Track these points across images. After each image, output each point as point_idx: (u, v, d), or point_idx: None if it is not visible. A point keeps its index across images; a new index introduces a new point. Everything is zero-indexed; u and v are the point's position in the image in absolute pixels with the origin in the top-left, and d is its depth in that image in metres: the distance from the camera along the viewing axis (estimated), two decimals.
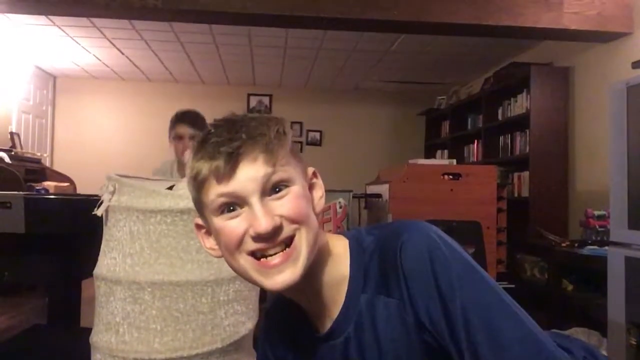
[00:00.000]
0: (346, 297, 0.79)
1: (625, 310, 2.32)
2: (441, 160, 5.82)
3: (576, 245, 3.37)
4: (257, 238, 0.72)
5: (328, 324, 0.81)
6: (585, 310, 3.24)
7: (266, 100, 7.13)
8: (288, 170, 0.75)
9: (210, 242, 0.82)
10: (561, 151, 4.44)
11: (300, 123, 7.17)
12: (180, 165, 2.59)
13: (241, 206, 0.73)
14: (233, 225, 0.73)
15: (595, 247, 3.18)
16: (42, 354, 2.61)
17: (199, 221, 0.82)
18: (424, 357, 0.73)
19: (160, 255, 1.33)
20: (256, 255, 0.74)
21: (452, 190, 3.83)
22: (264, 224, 0.71)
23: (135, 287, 1.32)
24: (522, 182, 4.72)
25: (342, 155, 7.11)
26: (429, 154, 7.03)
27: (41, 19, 4.54)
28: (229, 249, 0.75)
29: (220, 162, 0.72)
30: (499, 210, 4.03)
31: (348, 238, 0.83)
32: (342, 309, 0.79)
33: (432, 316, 0.71)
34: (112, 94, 6.92)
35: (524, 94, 4.69)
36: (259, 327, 0.97)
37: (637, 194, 2.30)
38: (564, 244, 3.52)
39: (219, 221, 0.75)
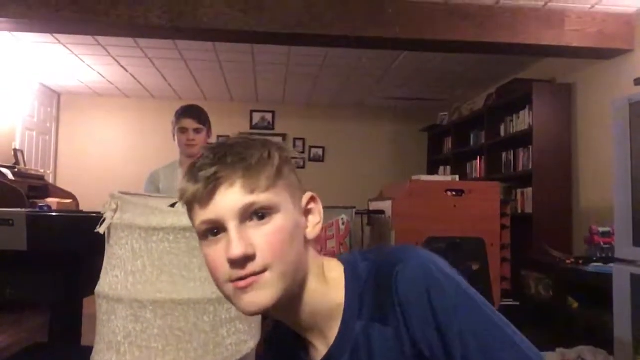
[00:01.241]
0: (341, 324, 0.78)
1: (632, 327, 2.30)
2: (444, 176, 5.82)
3: (581, 262, 3.35)
4: (231, 263, 0.71)
5: (324, 351, 0.80)
6: (590, 328, 3.20)
7: (269, 116, 7.15)
8: (271, 196, 0.73)
9: None
10: (564, 167, 4.44)
11: (303, 139, 7.18)
12: (183, 159, 2.61)
13: (223, 231, 0.73)
14: (214, 251, 0.73)
15: (600, 264, 3.16)
16: None
17: None
18: None
19: (162, 273, 1.32)
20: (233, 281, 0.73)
21: (455, 206, 3.81)
22: (234, 250, 0.70)
23: (137, 306, 1.31)
24: (526, 199, 4.70)
25: (345, 172, 7.11)
26: (432, 170, 7.03)
27: (47, 37, 4.59)
28: (213, 276, 0.75)
29: (200, 187, 0.72)
30: (503, 227, 4.01)
31: (343, 263, 0.82)
32: (337, 336, 0.78)
33: (430, 344, 0.70)
34: (116, 111, 6.96)
35: (527, 110, 4.69)
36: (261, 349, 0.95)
37: None
38: (568, 261, 3.50)
39: (205, 247, 0.75)
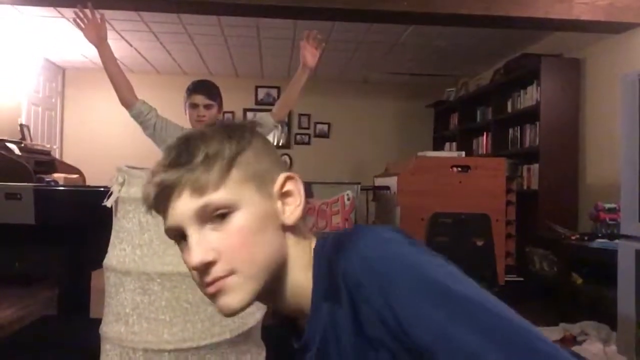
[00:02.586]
0: (311, 306, 0.73)
1: (636, 304, 2.31)
2: (450, 152, 5.80)
3: (586, 238, 3.35)
4: (193, 270, 0.68)
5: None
6: (594, 304, 3.22)
7: (274, 92, 7.12)
8: (225, 194, 0.68)
9: None
10: (571, 143, 4.41)
11: (309, 115, 7.16)
12: None
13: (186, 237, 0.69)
14: (185, 258, 0.70)
15: (605, 240, 3.16)
16: (52, 345, 2.63)
17: None
18: None
19: (168, 246, 1.33)
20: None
21: (460, 182, 3.81)
22: (193, 258, 0.66)
23: (145, 278, 1.33)
24: (532, 175, 4.69)
25: (350, 148, 7.09)
26: (438, 146, 7.00)
27: (50, 11, 4.56)
28: (194, 278, 0.72)
29: (153, 194, 0.69)
30: (508, 203, 4.02)
31: (315, 243, 0.76)
32: (308, 320, 0.74)
33: (384, 322, 0.62)
34: None
35: (534, 85, 4.65)
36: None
37: None
38: (573, 237, 3.50)
39: (181, 252, 0.72)
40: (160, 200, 0.69)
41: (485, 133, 5.78)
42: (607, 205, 3.38)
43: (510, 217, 4.30)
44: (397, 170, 4.17)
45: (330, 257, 0.70)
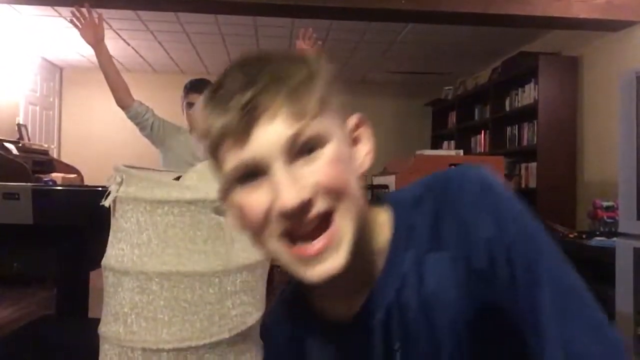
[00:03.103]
0: (387, 262, 0.64)
1: (634, 302, 2.31)
2: (448, 151, 5.80)
3: (584, 236, 3.35)
4: (284, 216, 0.56)
5: (358, 303, 0.65)
6: None
7: None
8: (322, 123, 0.58)
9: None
10: (569, 142, 4.42)
11: None
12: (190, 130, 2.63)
13: (263, 174, 0.57)
14: (253, 201, 0.57)
15: (603, 238, 3.17)
16: (50, 345, 2.63)
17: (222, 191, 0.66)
18: (479, 333, 0.60)
19: (167, 245, 1.33)
20: (288, 238, 0.58)
21: None
22: (287, 199, 0.54)
23: (143, 278, 1.33)
24: (530, 173, 4.70)
25: None
26: (436, 144, 7.01)
27: (48, 10, 4.55)
28: (254, 232, 0.59)
29: (231, 119, 0.56)
30: None
31: (389, 199, 0.69)
32: (380, 279, 0.64)
33: (493, 257, 0.58)
34: None
35: (532, 84, 4.65)
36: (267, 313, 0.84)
37: None
38: (571, 235, 3.50)
39: (237, 195, 0.59)
40: (241, 126, 0.56)
41: (483, 131, 5.78)
42: (605, 204, 3.38)
43: None
44: (395, 169, 4.17)
45: (427, 200, 0.63)
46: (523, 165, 4.84)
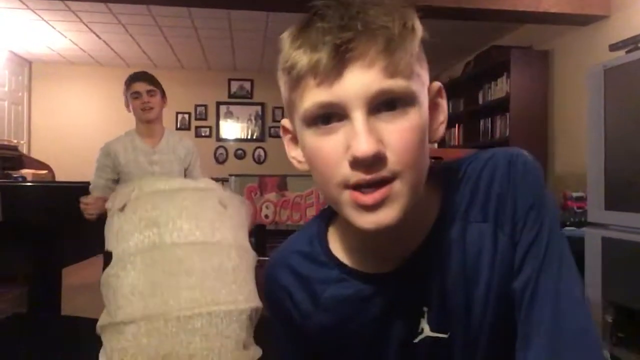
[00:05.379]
0: (433, 228, 0.66)
1: (602, 289, 2.38)
2: None
3: None
4: (354, 163, 0.55)
5: (392, 264, 0.66)
6: None
7: (247, 85, 7.06)
8: (411, 83, 0.57)
9: (295, 152, 0.66)
10: (540, 134, 4.49)
11: (283, 109, 7.13)
12: (141, 127, 2.50)
13: (341, 119, 0.56)
14: (329, 146, 0.57)
15: (573, 228, 3.24)
16: (23, 343, 2.58)
17: (286, 123, 0.67)
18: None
19: (198, 219, 1.30)
20: (352, 186, 0.57)
21: None
22: (365, 147, 0.54)
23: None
24: None
25: None
26: None
27: (15, 3, 4.44)
28: (324, 177, 0.59)
29: (323, 56, 0.54)
30: None
31: (441, 172, 0.70)
32: (424, 241, 0.65)
33: (522, 238, 0.62)
34: (90, 80, 6.80)
35: (504, 77, 4.72)
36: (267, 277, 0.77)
37: (613, 176, 2.34)
38: None
39: (312, 137, 0.59)
40: (332, 65, 0.54)
41: (457, 125, 5.85)
42: (575, 194, 3.45)
43: None
44: None
45: (465, 175, 0.67)
46: None
